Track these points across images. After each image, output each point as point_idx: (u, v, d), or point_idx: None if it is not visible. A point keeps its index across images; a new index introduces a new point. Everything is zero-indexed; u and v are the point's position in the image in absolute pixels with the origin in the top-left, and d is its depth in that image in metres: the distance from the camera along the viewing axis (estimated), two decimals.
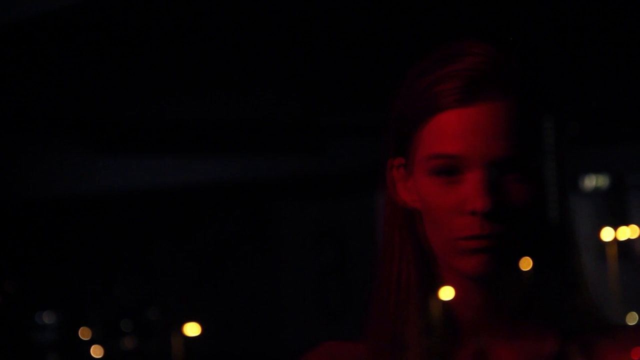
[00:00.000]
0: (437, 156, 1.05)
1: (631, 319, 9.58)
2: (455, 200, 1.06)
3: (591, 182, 9.53)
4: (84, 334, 8.87)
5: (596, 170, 9.33)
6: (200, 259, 9.88)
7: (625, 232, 9.14)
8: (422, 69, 1.10)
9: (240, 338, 9.47)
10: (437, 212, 1.07)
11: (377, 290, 1.18)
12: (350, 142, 6.93)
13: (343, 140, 6.71)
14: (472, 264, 1.06)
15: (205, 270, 9.89)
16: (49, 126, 6.01)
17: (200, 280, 9.85)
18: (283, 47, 4.34)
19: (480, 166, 1.04)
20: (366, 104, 6.21)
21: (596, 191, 9.90)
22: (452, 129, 1.04)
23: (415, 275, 1.12)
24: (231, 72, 4.86)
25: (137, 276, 9.90)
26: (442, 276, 1.11)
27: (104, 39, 3.92)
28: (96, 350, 8.88)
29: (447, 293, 1.10)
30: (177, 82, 5.08)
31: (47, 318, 8.94)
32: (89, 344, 8.84)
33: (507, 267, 1.10)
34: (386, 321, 1.14)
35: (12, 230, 8.91)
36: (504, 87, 1.05)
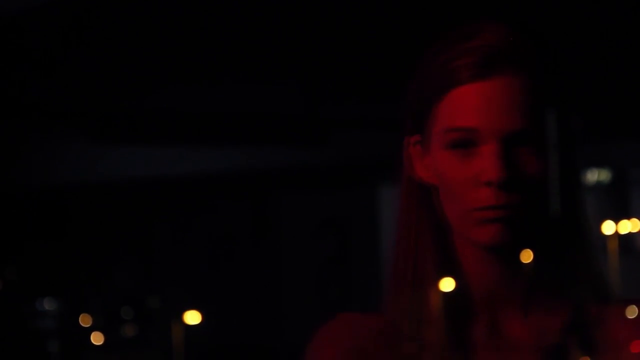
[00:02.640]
0: (453, 129, 1.09)
1: (631, 312, 9.62)
2: (470, 172, 1.09)
3: (593, 176, 9.53)
4: (85, 320, 8.88)
5: (598, 164, 9.33)
6: (201, 248, 9.89)
7: (627, 226, 9.14)
8: (439, 47, 1.14)
9: (240, 327, 9.48)
10: (453, 185, 1.10)
11: (395, 264, 1.17)
12: (352, 134, 6.93)
13: (345, 132, 6.71)
14: (488, 234, 1.09)
15: (205, 259, 9.90)
16: (52, 116, 6.02)
17: (201, 269, 9.87)
18: (286, 38, 4.34)
19: (495, 139, 1.08)
20: (368, 95, 6.22)
21: (598, 185, 9.90)
22: (468, 103, 1.08)
23: (432, 249, 1.14)
24: (234, 63, 4.86)
25: (138, 264, 9.91)
26: (457, 249, 1.14)
27: (106, 29, 3.92)
28: (96, 337, 8.90)
29: (463, 266, 1.13)
30: (179, 73, 5.08)
31: (48, 305, 8.96)
32: (89, 330, 8.86)
33: (521, 237, 1.12)
34: (405, 293, 1.16)
35: (14, 218, 8.92)
36: (518, 63, 1.09)
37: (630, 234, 9.69)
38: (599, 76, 5.47)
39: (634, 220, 9.13)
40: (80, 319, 8.90)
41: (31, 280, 9.05)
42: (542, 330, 1.14)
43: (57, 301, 9.08)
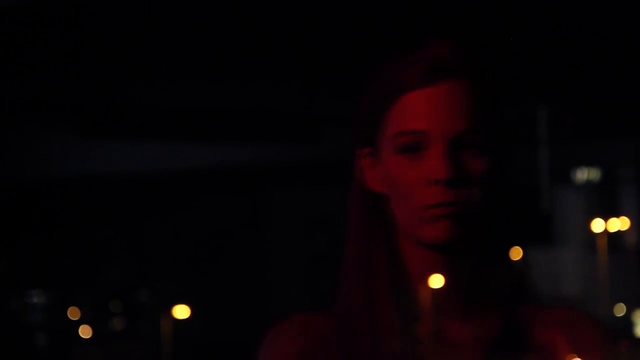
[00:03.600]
0: (404, 133, 1.18)
1: (619, 310, 9.63)
2: (420, 173, 1.18)
3: (583, 174, 9.56)
4: (73, 314, 8.87)
5: (588, 163, 9.36)
6: (191, 243, 9.89)
7: (616, 224, 9.16)
8: (388, 60, 1.24)
9: (228, 323, 9.48)
10: (404, 187, 1.19)
11: (349, 267, 1.26)
12: (344, 131, 6.92)
13: (337, 129, 6.72)
14: (438, 231, 1.16)
15: (195, 254, 9.90)
16: (42, 111, 6.00)
17: (191, 264, 9.87)
18: (280, 36, 4.34)
19: (442, 140, 1.16)
20: (361, 93, 6.19)
21: (588, 184, 9.93)
22: (416, 108, 1.17)
23: (383, 253, 1.22)
24: (227, 60, 4.86)
25: (128, 258, 9.90)
26: (406, 254, 1.22)
27: (99, 23, 3.91)
28: (85, 331, 8.89)
29: (410, 269, 1.22)
30: (172, 69, 5.07)
31: (37, 297, 8.95)
32: (77, 324, 8.85)
33: (467, 235, 1.19)
34: (357, 294, 1.24)
35: (4, 211, 8.90)
36: (460, 70, 1.18)
37: (619, 232, 9.72)
38: (589, 75, 5.48)
39: (623, 218, 9.17)
40: (68, 312, 8.89)
41: (20, 273, 9.04)
42: (478, 334, 1.20)
43: (46, 294, 9.06)
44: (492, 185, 1.21)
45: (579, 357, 1.25)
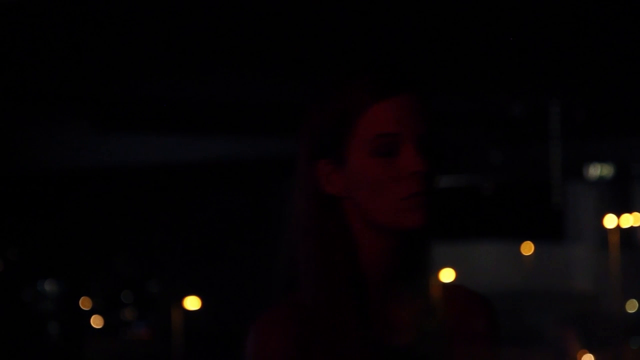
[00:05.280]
0: (380, 135, 1.34)
1: (631, 306, 9.62)
2: (396, 169, 1.35)
3: (596, 171, 9.54)
4: (85, 304, 8.91)
5: (601, 159, 9.33)
6: (202, 235, 9.91)
7: (628, 220, 9.09)
8: (346, 78, 1.43)
9: (239, 314, 9.50)
10: (381, 184, 1.35)
11: (310, 266, 1.40)
12: None
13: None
14: (415, 218, 1.34)
15: (206, 245, 9.92)
16: (58, 104, 6.03)
17: (201, 255, 9.89)
18: (290, 31, 4.34)
19: (413, 140, 1.35)
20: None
21: (600, 180, 9.90)
22: (388, 114, 1.35)
23: (339, 246, 1.39)
24: (237, 54, 4.86)
25: (139, 249, 9.94)
26: (359, 243, 1.39)
27: (112, 18, 3.92)
28: (96, 320, 8.93)
29: (365, 257, 1.41)
30: (184, 63, 5.08)
31: (49, 287, 8.99)
32: (89, 313, 8.89)
33: (429, 221, 1.37)
34: (321, 291, 1.38)
35: (17, 201, 8.94)
36: (415, 83, 1.39)
37: (631, 228, 9.70)
38: (602, 72, 5.46)
39: (636, 214, 9.15)
40: (80, 302, 8.93)
41: (32, 263, 9.08)
42: (411, 310, 1.38)
43: (58, 284, 9.10)
44: (437, 178, 1.39)
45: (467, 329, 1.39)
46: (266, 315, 1.39)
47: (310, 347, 1.35)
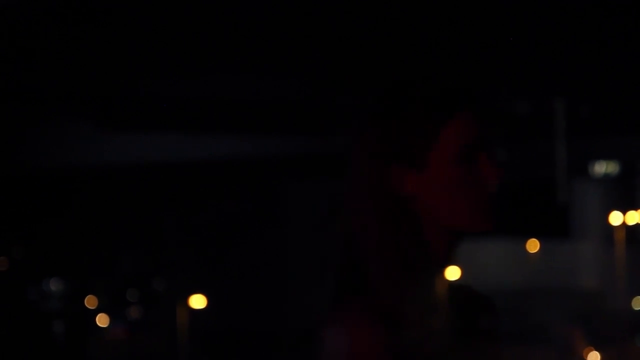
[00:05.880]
0: (464, 145, 1.46)
1: (637, 303, 9.60)
2: (474, 176, 1.46)
3: (601, 168, 9.52)
4: (91, 302, 8.92)
5: (607, 156, 9.32)
6: (208, 233, 9.90)
7: (634, 217, 9.07)
8: (416, 93, 1.51)
9: (244, 313, 9.50)
10: (459, 189, 1.46)
11: (386, 265, 1.46)
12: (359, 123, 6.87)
13: (354, 120, 6.68)
14: (485, 222, 1.45)
15: (212, 244, 9.91)
16: (64, 104, 6.03)
17: (207, 254, 9.89)
18: (296, 28, 4.32)
19: (485, 148, 1.47)
20: (377, 85, 6.18)
21: (606, 177, 9.89)
22: (470, 125, 1.47)
23: (416, 246, 1.46)
24: (247, 52, 4.85)
25: (144, 247, 9.94)
26: (431, 241, 1.48)
27: (117, 16, 3.91)
28: (102, 319, 8.94)
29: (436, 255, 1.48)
30: (188, 61, 5.07)
31: (54, 286, 8.99)
32: (95, 312, 8.89)
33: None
34: (397, 288, 1.44)
35: (22, 200, 8.94)
36: (478, 98, 1.50)
37: (637, 225, 9.68)
38: (608, 70, 5.45)
39: None
40: (86, 300, 8.94)
41: (38, 261, 9.08)
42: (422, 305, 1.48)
43: (64, 282, 9.11)
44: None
45: None
46: (352, 315, 1.41)
47: (388, 341, 1.41)
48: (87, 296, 9.30)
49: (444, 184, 1.46)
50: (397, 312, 1.39)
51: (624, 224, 9.68)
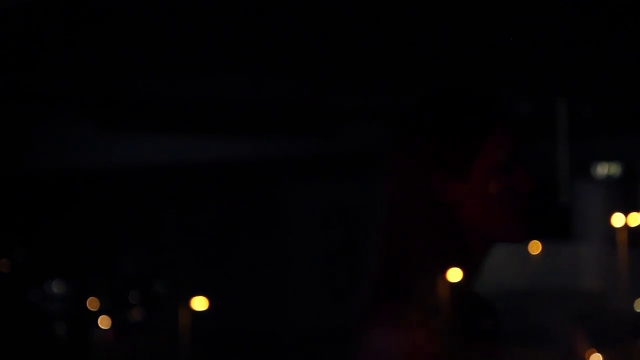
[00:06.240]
0: (503, 157, 1.56)
1: (639, 305, 9.59)
2: (510, 187, 1.56)
3: (603, 169, 9.52)
4: (92, 304, 8.92)
5: (608, 158, 9.32)
6: (209, 235, 9.90)
7: (636, 219, 9.08)
8: (456, 106, 1.60)
9: (246, 315, 9.50)
10: (498, 199, 1.55)
11: (423, 270, 1.54)
12: (361, 124, 6.92)
13: (354, 122, 6.70)
14: (520, 233, 1.56)
15: (213, 246, 9.91)
16: (64, 105, 6.04)
17: (208, 256, 9.88)
18: (296, 29, 4.33)
19: (519, 160, 1.57)
20: (377, 87, 6.21)
21: (608, 178, 9.88)
22: (508, 138, 1.57)
23: (460, 251, 1.55)
24: (245, 54, 4.86)
25: (146, 249, 9.94)
26: (472, 247, 1.58)
27: (119, 18, 3.92)
28: (104, 321, 8.94)
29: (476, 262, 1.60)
30: (190, 64, 5.08)
31: (56, 288, 8.99)
32: (96, 314, 8.89)
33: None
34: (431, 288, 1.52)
35: (24, 201, 8.95)
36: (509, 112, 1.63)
37: (639, 227, 9.68)
38: (610, 71, 5.45)
39: None
40: (87, 302, 8.94)
41: (39, 263, 9.08)
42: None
43: (65, 284, 9.10)
44: None
45: None
46: (395, 316, 1.46)
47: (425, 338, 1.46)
48: (89, 298, 9.29)
49: (485, 193, 1.55)
50: (434, 315, 1.44)
51: (626, 225, 9.70)
